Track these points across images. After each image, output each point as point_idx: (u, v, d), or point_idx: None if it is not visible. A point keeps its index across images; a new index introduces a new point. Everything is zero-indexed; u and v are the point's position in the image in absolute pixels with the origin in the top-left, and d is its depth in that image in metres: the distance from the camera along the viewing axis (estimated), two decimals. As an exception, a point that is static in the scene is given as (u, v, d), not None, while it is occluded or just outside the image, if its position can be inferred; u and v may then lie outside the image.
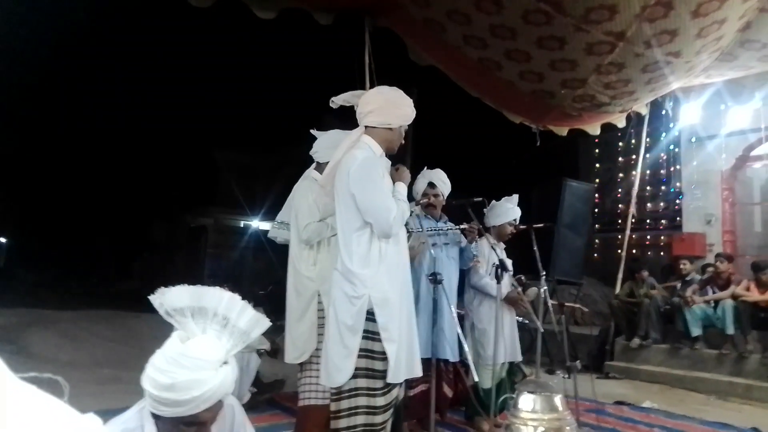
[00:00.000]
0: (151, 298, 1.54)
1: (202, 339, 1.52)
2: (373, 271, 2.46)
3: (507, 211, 4.28)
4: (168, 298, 1.53)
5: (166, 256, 21.11)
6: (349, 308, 2.43)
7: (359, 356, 2.41)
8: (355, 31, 5.15)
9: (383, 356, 2.42)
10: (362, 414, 2.41)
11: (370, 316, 2.43)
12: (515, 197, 4.37)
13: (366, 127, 2.61)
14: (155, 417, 1.51)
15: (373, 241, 2.48)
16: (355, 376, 2.41)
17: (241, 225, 20.58)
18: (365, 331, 2.42)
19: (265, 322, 1.60)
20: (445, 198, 3.95)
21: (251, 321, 1.58)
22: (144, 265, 22.40)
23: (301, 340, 3.20)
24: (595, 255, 12.70)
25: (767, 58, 5.78)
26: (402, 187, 2.63)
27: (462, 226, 3.87)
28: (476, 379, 3.39)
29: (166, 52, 17.33)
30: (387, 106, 2.60)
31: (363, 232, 2.48)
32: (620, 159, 12.63)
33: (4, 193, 21.69)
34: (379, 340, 2.42)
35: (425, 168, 3.96)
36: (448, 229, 3.89)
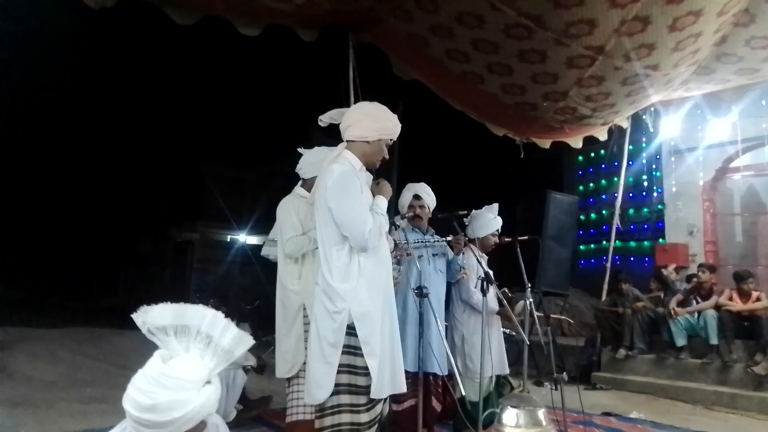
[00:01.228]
0: (134, 316, 1.52)
1: (185, 358, 1.51)
2: (352, 285, 2.46)
3: (489, 222, 4.30)
4: (150, 317, 1.52)
5: (152, 272, 20.88)
6: (329, 324, 2.43)
7: (342, 372, 2.40)
8: (340, 47, 5.20)
9: (366, 371, 2.41)
10: (346, 431, 2.40)
11: (351, 330, 2.42)
12: (495, 206, 4.39)
13: (347, 141, 2.65)
14: None
15: (352, 255, 2.49)
16: (337, 393, 2.40)
17: (228, 239, 20.46)
18: (346, 346, 2.41)
19: (249, 341, 1.59)
20: (431, 210, 3.97)
21: (234, 339, 1.56)
22: (129, 281, 22.15)
23: (290, 353, 3.22)
24: (580, 266, 12.79)
25: (743, 71, 5.91)
26: (382, 201, 2.64)
27: (448, 238, 3.88)
28: (463, 392, 3.39)
29: (151, 67, 17.28)
30: (364, 120, 2.62)
31: (342, 247, 2.49)
32: (603, 171, 12.80)
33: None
34: (362, 355, 2.41)
35: (409, 182, 3.98)
36: (435, 241, 3.91)
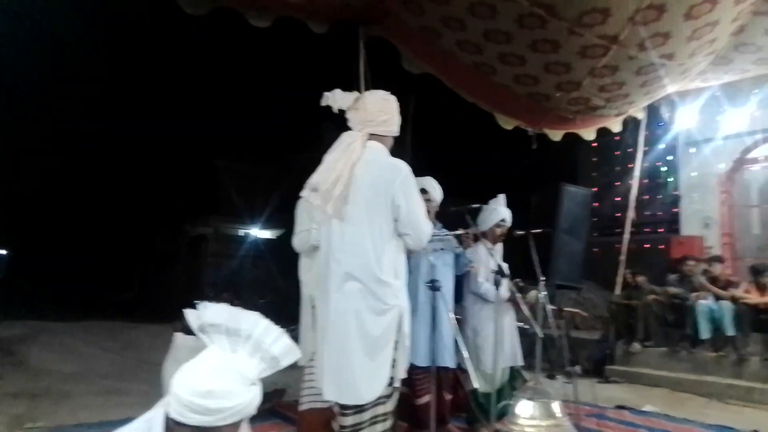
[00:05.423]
0: (187, 311, 1.56)
1: (240, 356, 1.54)
2: (402, 282, 2.50)
3: (491, 213, 4.28)
4: (207, 313, 1.54)
5: (166, 266, 21.06)
6: (378, 320, 2.40)
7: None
8: (350, 41, 5.18)
9: (395, 363, 2.45)
10: (380, 422, 2.44)
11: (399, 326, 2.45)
12: (501, 197, 4.36)
13: (375, 134, 2.56)
14: (175, 423, 1.49)
15: (397, 252, 2.50)
16: None
17: (241, 234, 20.59)
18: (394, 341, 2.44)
19: (296, 353, 1.60)
20: (438, 204, 3.94)
21: (284, 349, 1.58)
22: (144, 276, 22.34)
23: (303, 341, 3.29)
24: (595, 259, 12.68)
25: (762, 61, 5.80)
26: None
27: (457, 232, 3.87)
28: (475, 385, 3.39)
29: (164, 61, 17.39)
30: (396, 116, 2.62)
31: (392, 244, 2.47)
32: (618, 163, 12.66)
33: (3, 205, 21.70)
34: (397, 348, 2.45)
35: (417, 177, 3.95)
36: (444, 235, 3.90)
